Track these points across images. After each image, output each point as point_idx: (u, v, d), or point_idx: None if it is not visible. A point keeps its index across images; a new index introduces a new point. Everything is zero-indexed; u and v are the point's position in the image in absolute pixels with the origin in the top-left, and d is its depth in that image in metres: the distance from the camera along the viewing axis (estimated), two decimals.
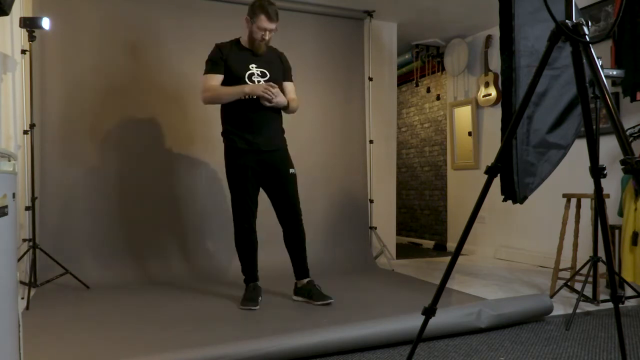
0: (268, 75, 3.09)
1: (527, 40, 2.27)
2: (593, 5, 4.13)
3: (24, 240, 3.50)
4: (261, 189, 3.22)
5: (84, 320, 2.81)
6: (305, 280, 3.26)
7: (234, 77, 3.04)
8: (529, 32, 2.26)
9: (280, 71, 3.19)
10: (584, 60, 1.55)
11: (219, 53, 3.06)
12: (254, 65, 3.07)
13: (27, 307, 3.01)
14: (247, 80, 3.03)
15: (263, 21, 2.96)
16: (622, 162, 1.38)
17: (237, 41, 3.13)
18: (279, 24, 3.05)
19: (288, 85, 3.21)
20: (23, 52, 3.51)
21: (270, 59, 3.15)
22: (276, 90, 2.98)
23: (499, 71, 5.06)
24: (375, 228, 4.79)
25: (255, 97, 2.99)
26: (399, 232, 6.67)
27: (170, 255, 4.03)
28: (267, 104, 2.99)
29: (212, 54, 3.09)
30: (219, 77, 3.05)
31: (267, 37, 3.01)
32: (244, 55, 3.08)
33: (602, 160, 3.82)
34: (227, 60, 3.05)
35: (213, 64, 3.06)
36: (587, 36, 1.52)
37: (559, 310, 3.03)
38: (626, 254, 3.24)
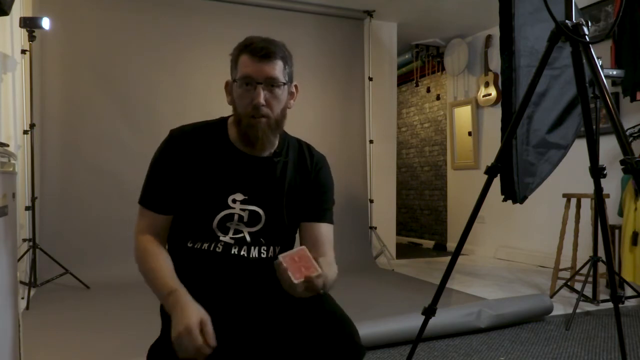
0: (262, 220, 1.31)
1: (527, 40, 2.27)
2: (593, 5, 4.13)
3: (24, 240, 3.50)
4: None
5: (84, 320, 2.81)
6: None
7: (196, 216, 1.29)
8: (529, 32, 2.26)
9: (300, 202, 1.37)
10: (584, 60, 1.55)
11: (171, 156, 1.29)
12: (237, 197, 1.29)
13: (27, 307, 3.01)
14: (215, 225, 1.28)
15: (248, 65, 1.23)
16: (622, 162, 1.38)
17: (221, 128, 1.35)
18: (287, 71, 1.28)
19: (319, 229, 1.38)
20: (23, 52, 3.51)
21: (284, 169, 1.35)
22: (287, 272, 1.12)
23: (499, 71, 5.05)
24: (375, 228, 4.79)
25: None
26: (399, 232, 6.67)
27: None
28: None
29: (159, 154, 1.32)
30: (160, 219, 1.29)
31: (261, 101, 1.22)
32: (225, 164, 1.30)
33: (602, 160, 3.81)
34: (187, 176, 1.28)
35: (152, 184, 1.31)
36: (587, 36, 1.52)
37: (559, 310, 3.03)
38: (626, 254, 3.24)
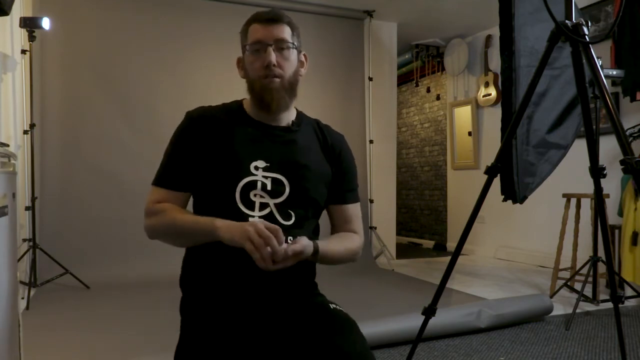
0: (287, 190, 1.26)
1: (527, 40, 2.26)
2: (593, 5, 4.13)
3: (24, 240, 3.50)
4: None
5: (84, 320, 2.81)
6: None
7: (218, 189, 1.24)
8: (529, 32, 2.26)
9: (322, 176, 1.33)
10: (584, 60, 1.55)
11: (189, 134, 1.28)
12: (259, 164, 1.26)
13: (27, 307, 3.01)
14: (238, 198, 1.22)
15: (257, 31, 1.27)
16: (622, 162, 1.38)
17: (237, 106, 1.36)
18: (295, 37, 1.33)
19: (347, 210, 1.38)
20: (23, 52, 3.51)
21: (303, 140, 1.34)
22: (292, 246, 1.10)
23: (499, 71, 5.05)
24: (375, 228, 4.79)
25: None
26: (399, 232, 6.66)
27: (171, 255, 4.02)
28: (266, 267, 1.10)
29: (179, 133, 1.30)
30: (175, 196, 1.27)
31: (272, 60, 1.24)
32: (245, 134, 1.29)
33: (602, 160, 3.80)
34: (206, 153, 1.26)
35: (170, 162, 1.28)
36: (587, 36, 1.52)
37: (558, 310, 3.03)
38: (626, 254, 3.24)
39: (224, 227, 1.12)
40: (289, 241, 1.12)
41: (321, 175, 1.32)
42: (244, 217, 1.19)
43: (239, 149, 1.25)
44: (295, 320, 1.18)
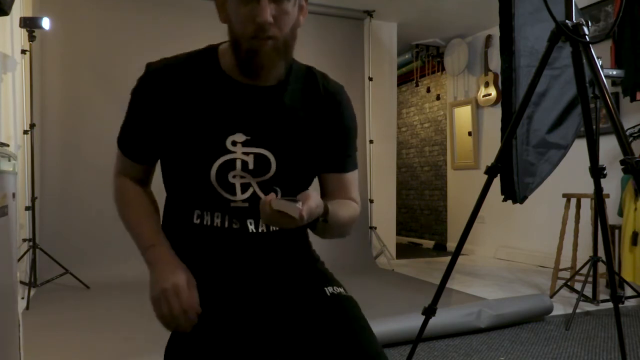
0: (273, 166, 1.05)
1: (527, 40, 2.26)
2: (593, 5, 4.12)
3: (24, 240, 3.50)
4: None
5: (84, 320, 2.81)
6: None
7: (189, 170, 1.04)
8: (529, 32, 2.26)
9: (316, 142, 1.10)
10: (584, 60, 1.55)
11: (148, 93, 1.04)
12: (237, 137, 1.03)
13: (27, 307, 3.01)
14: (215, 181, 1.02)
15: None
16: (622, 162, 1.38)
17: (211, 58, 1.07)
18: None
19: (345, 178, 1.15)
20: (23, 52, 3.51)
21: (293, 100, 1.08)
22: (307, 205, 0.90)
23: (499, 71, 5.05)
24: (375, 228, 4.79)
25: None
26: (399, 232, 6.66)
27: None
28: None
29: (135, 89, 1.07)
30: (139, 168, 1.18)
31: (267, 18, 0.94)
32: (219, 99, 1.04)
33: (602, 160, 3.80)
34: (171, 119, 1.03)
35: (127, 126, 1.14)
36: (587, 36, 1.52)
37: (559, 310, 3.03)
38: (626, 254, 3.24)
39: (153, 273, 1.01)
40: (297, 199, 0.89)
41: (314, 141, 1.08)
42: (226, 203, 1.03)
43: (212, 120, 1.01)
44: (297, 313, 1.03)
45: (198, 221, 1.05)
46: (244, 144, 1.02)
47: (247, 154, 1.02)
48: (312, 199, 0.91)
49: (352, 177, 1.16)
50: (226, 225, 1.04)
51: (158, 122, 1.02)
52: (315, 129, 1.08)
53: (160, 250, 1.02)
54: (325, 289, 1.07)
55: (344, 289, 1.11)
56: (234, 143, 1.02)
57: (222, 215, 1.04)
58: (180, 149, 1.02)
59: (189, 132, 1.01)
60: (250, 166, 1.02)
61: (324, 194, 1.14)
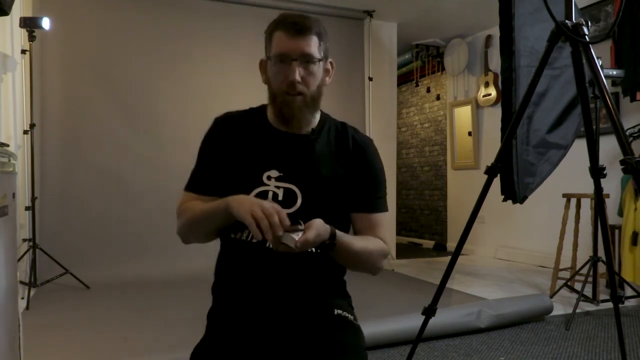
0: (299, 200, 1.23)
1: (527, 40, 2.26)
2: (593, 5, 4.13)
3: (24, 240, 3.50)
4: None
5: (84, 320, 2.81)
6: None
7: (233, 192, 1.20)
8: (529, 32, 2.26)
9: (340, 185, 1.27)
10: (584, 60, 1.55)
11: (214, 139, 1.31)
12: (272, 173, 1.25)
13: (27, 307, 3.01)
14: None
15: (283, 42, 1.20)
16: (622, 162, 1.38)
17: (260, 111, 1.34)
18: (322, 47, 1.25)
19: (373, 218, 1.30)
20: (23, 52, 3.50)
21: (322, 147, 1.29)
22: (304, 237, 1.04)
23: (499, 71, 5.05)
24: None
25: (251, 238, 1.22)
26: (399, 232, 6.67)
27: (171, 255, 4.03)
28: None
29: (205, 138, 1.33)
30: (207, 200, 1.26)
31: (296, 78, 1.19)
32: (262, 142, 1.29)
33: (602, 160, 3.80)
34: (227, 158, 1.27)
35: (197, 167, 1.31)
36: (587, 36, 1.51)
37: (559, 310, 3.03)
38: (626, 254, 3.24)
39: (235, 200, 1.10)
40: (300, 223, 1.06)
41: (339, 184, 1.25)
42: None
43: (254, 157, 1.24)
44: (302, 331, 1.16)
45: (233, 236, 1.24)
46: (277, 179, 1.23)
47: (278, 187, 1.22)
48: (312, 229, 1.04)
49: (381, 217, 1.30)
50: (254, 241, 1.19)
51: (219, 161, 1.26)
52: (342, 173, 1.27)
53: (237, 196, 1.13)
54: (335, 309, 1.22)
55: (354, 317, 1.26)
56: (269, 177, 1.23)
57: (247, 232, 1.21)
58: (230, 180, 1.23)
59: (238, 166, 1.24)
60: (280, 197, 1.21)
61: (355, 232, 1.30)
